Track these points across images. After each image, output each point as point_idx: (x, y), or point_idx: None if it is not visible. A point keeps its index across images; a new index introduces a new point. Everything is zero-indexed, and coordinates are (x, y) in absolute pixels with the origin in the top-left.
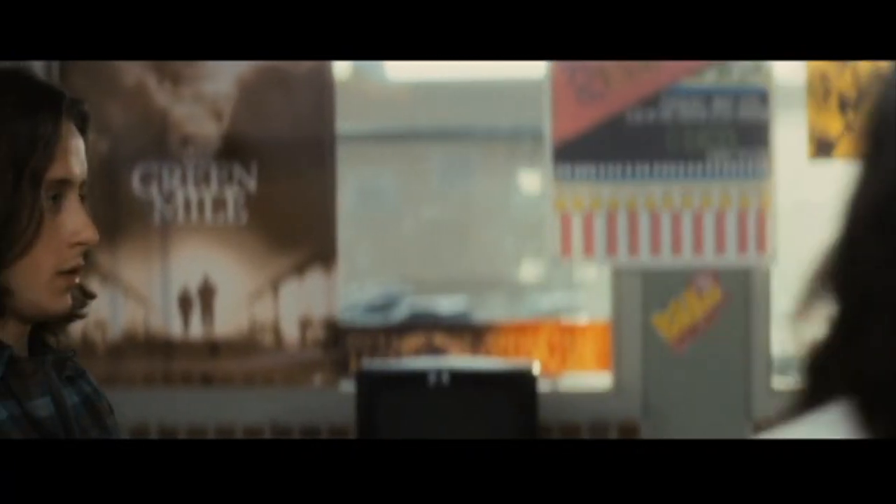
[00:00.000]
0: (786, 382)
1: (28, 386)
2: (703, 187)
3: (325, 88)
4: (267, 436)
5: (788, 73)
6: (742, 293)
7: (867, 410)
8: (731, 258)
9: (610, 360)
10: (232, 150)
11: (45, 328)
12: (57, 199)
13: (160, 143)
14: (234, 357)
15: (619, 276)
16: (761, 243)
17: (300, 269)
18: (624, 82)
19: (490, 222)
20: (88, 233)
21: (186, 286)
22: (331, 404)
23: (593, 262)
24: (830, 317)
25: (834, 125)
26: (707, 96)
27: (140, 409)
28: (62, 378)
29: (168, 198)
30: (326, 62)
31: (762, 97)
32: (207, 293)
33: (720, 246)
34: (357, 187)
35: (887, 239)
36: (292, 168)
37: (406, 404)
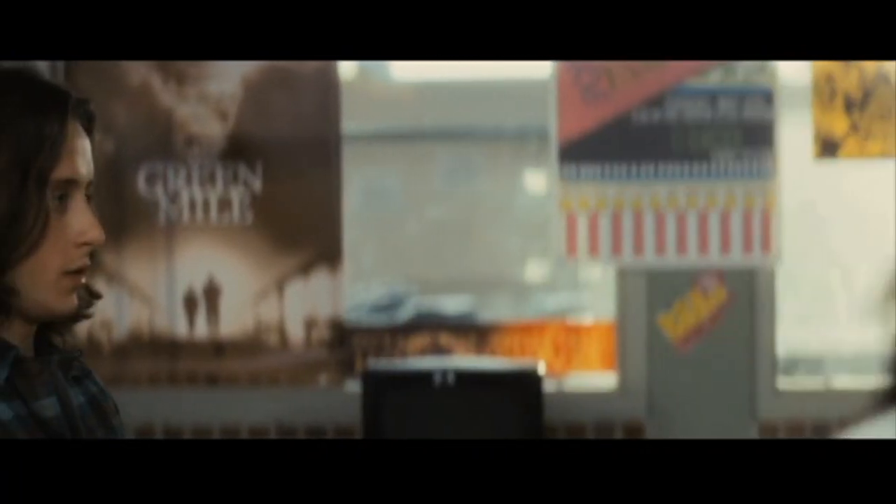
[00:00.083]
0: (791, 382)
1: (34, 386)
2: (709, 187)
3: (330, 88)
4: (272, 436)
5: (793, 73)
6: (747, 293)
7: None
8: (737, 258)
9: (615, 360)
10: (237, 150)
11: (50, 328)
12: (63, 199)
13: (165, 143)
14: (239, 357)
15: (624, 277)
16: (766, 243)
17: (305, 269)
18: (629, 82)
19: (495, 222)
20: (94, 233)
21: (192, 286)
22: (336, 404)
23: (598, 262)
24: None
25: (839, 125)
26: (712, 96)
27: (145, 409)
28: (68, 378)
29: (173, 198)
30: (332, 62)
31: (767, 97)
32: (213, 293)
33: (725, 246)
34: (362, 187)
35: None
36: (297, 168)
37: (411, 404)
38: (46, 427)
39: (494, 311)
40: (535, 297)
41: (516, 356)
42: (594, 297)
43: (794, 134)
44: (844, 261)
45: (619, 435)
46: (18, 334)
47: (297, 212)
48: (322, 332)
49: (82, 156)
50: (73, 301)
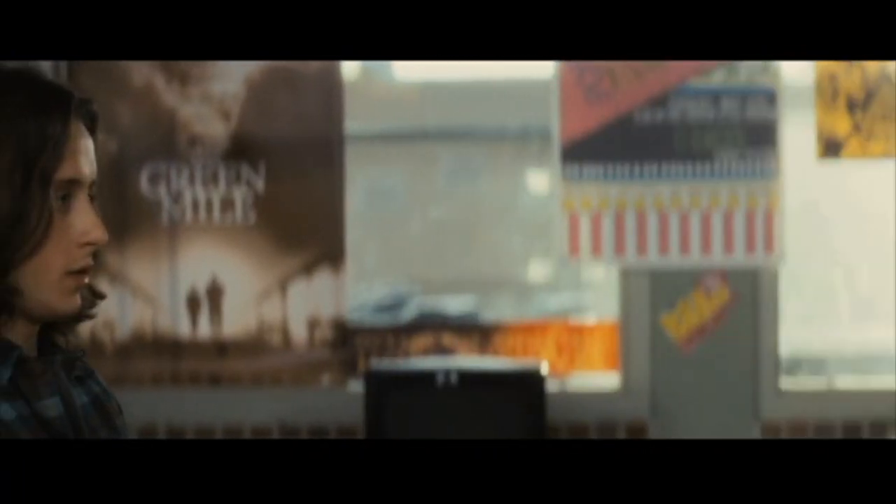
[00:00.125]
0: (794, 383)
1: (37, 386)
2: (712, 187)
3: (333, 88)
4: (275, 436)
5: (796, 74)
6: (750, 293)
7: None
8: (740, 258)
9: (618, 360)
10: (240, 151)
11: (54, 328)
12: (66, 199)
13: (168, 143)
14: (242, 357)
15: (627, 277)
16: (769, 243)
17: (308, 269)
18: (632, 82)
19: (498, 222)
20: (98, 233)
21: (194, 286)
22: (339, 404)
23: (601, 263)
24: None
25: (842, 125)
26: (715, 96)
27: (148, 409)
28: (71, 378)
29: (176, 198)
30: (335, 62)
31: (770, 97)
32: (215, 293)
33: (728, 246)
34: (365, 187)
35: None
36: (300, 168)
37: (414, 404)
38: (49, 427)
39: (497, 311)
40: (538, 297)
41: (519, 356)
42: (597, 298)
43: (797, 134)
44: (847, 261)
45: (621, 435)
46: (22, 334)
47: (300, 212)
48: (325, 332)
49: (85, 156)
50: (77, 301)
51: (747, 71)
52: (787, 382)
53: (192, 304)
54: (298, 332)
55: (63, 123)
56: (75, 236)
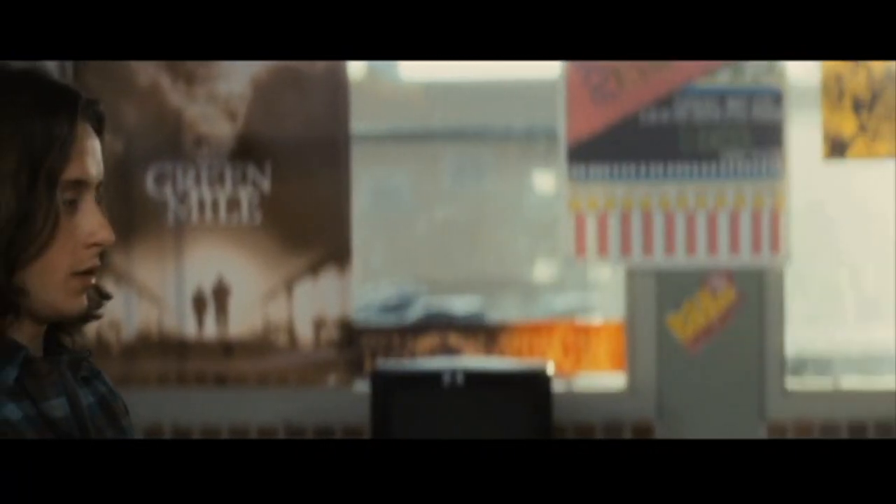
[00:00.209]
0: (799, 383)
1: (43, 386)
2: (718, 187)
3: (339, 89)
4: (281, 436)
5: (802, 74)
6: (756, 293)
7: None
8: (745, 258)
9: (624, 360)
10: (246, 151)
11: (60, 329)
12: (73, 200)
13: (174, 143)
14: (248, 357)
15: (633, 277)
16: (775, 243)
17: (314, 270)
18: (638, 82)
19: (504, 222)
20: (104, 233)
21: (200, 286)
22: (345, 405)
23: (607, 263)
24: None
25: (848, 125)
26: (721, 96)
27: (154, 410)
28: (77, 378)
29: (182, 198)
30: (341, 62)
31: (776, 97)
32: (221, 293)
33: (734, 246)
34: (371, 187)
35: None
36: (306, 168)
37: (420, 404)
38: (55, 427)
39: (503, 311)
40: (544, 297)
41: (525, 356)
42: (603, 298)
43: (803, 134)
44: (853, 261)
45: (627, 435)
46: (28, 335)
47: (306, 212)
48: (331, 333)
49: (92, 157)
50: (83, 302)
51: (753, 71)
52: (792, 383)
53: (198, 304)
54: (304, 333)
55: (70, 124)
56: (82, 237)
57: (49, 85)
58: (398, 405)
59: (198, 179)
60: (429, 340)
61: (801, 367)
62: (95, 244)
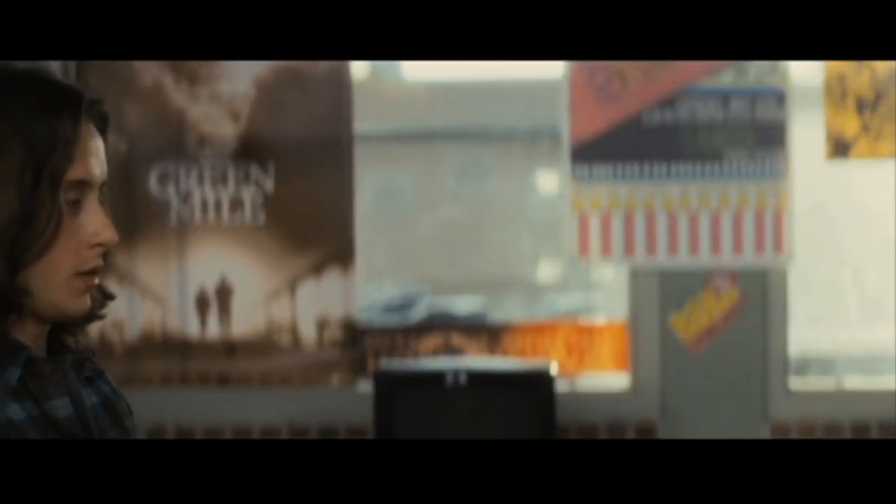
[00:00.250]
0: (802, 383)
1: (47, 386)
2: (721, 187)
3: (342, 88)
4: (284, 436)
5: (805, 74)
6: (759, 293)
7: None
8: (749, 258)
9: (627, 360)
10: (249, 151)
11: (63, 329)
12: (76, 200)
13: (177, 143)
14: (251, 357)
15: (636, 277)
16: (778, 243)
17: (317, 270)
18: (641, 82)
19: (507, 222)
20: (108, 233)
21: (204, 286)
22: (348, 405)
23: (611, 263)
24: None
25: (851, 126)
26: (724, 97)
27: (157, 410)
28: (81, 378)
29: (185, 198)
30: (344, 62)
31: (779, 97)
32: (225, 293)
33: (737, 246)
34: (374, 187)
35: None
36: (310, 168)
37: (423, 405)
38: (59, 427)
39: (506, 311)
40: (548, 297)
41: (528, 356)
42: (606, 298)
43: (806, 134)
44: (856, 261)
45: (631, 435)
46: (31, 335)
47: (310, 212)
48: (334, 333)
49: (95, 157)
50: (86, 302)
51: (756, 71)
52: (795, 383)
53: (202, 304)
54: (307, 333)
55: (73, 124)
56: (85, 237)
57: (52, 85)
58: (401, 405)
59: (201, 179)
60: (432, 340)
61: (804, 367)
62: (99, 244)
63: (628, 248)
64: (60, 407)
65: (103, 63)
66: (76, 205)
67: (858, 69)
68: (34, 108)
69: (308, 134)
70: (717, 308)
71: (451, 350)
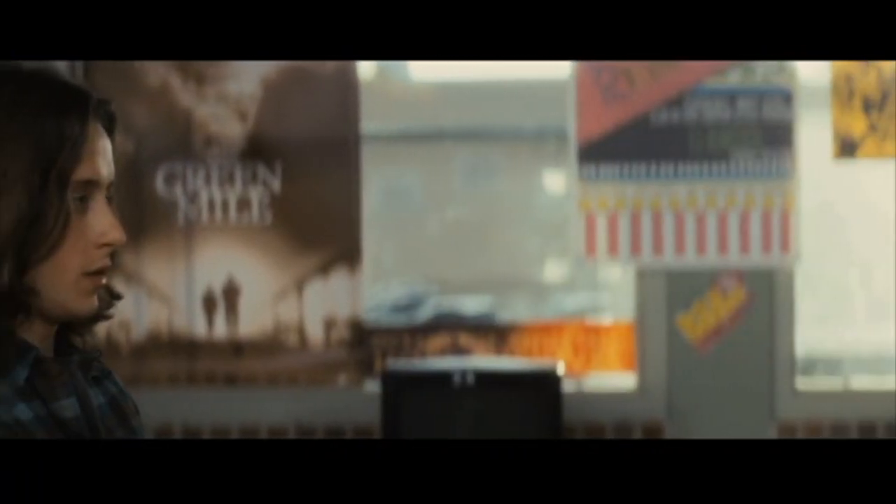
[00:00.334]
0: (809, 383)
1: (54, 386)
2: (728, 187)
3: (349, 88)
4: (291, 436)
5: (812, 74)
6: (766, 293)
7: None
8: (756, 258)
9: (634, 360)
10: (256, 151)
11: (70, 329)
12: (83, 200)
13: (184, 143)
14: (258, 357)
15: (643, 277)
16: (785, 243)
17: (325, 270)
18: (648, 82)
19: (514, 222)
20: (115, 234)
21: (211, 286)
22: (355, 404)
23: (618, 263)
24: None
25: (858, 125)
26: (731, 96)
27: (164, 410)
28: (88, 379)
29: (192, 198)
30: (351, 62)
31: (786, 97)
32: (232, 293)
33: (744, 246)
34: (381, 187)
35: None
36: (317, 168)
37: (431, 404)
38: (66, 427)
39: (513, 311)
40: (554, 297)
41: (535, 356)
42: (613, 298)
43: (813, 134)
44: (863, 261)
45: (638, 435)
46: (38, 335)
47: (317, 212)
48: (341, 333)
49: (103, 157)
50: (94, 302)
51: (763, 71)
52: (802, 383)
53: (209, 304)
54: (315, 333)
55: (81, 124)
56: (93, 237)
57: (60, 85)
58: (408, 405)
59: (208, 179)
60: (439, 340)
61: (811, 367)
62: (106, 244)
63: (635, 248)
64: (68, 407)
65: (111, 63)
66: (84, 205)
67: (865, 69)
68: (42, 109)
69: (315, 134)
70: (724, 308)
71: (458, 350)
